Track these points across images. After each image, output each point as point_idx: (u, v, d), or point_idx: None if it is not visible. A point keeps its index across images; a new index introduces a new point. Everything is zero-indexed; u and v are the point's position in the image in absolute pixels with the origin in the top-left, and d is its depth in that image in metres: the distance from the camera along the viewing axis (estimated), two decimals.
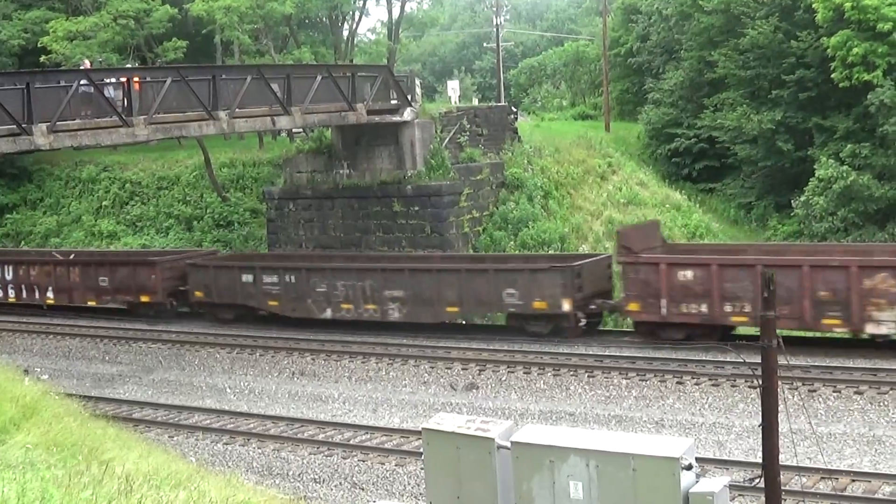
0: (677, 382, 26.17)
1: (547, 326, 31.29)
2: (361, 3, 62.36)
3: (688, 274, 28.47)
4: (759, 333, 26.30)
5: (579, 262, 31.57)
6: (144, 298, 38.94)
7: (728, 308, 28.09)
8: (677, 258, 29.73)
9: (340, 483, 22.29)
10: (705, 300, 28.21)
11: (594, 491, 13.82)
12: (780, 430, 13.36)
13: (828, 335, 28.60)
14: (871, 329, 26.70)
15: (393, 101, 38.73)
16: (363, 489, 21.80)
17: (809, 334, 28.72)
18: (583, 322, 30.75)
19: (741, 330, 29.02)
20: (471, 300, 32.24)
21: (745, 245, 33.97)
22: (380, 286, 33.69)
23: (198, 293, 37.87)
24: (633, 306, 29.58)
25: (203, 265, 38.23)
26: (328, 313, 34.82)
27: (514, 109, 51.51)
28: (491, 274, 31.93)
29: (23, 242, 54.34)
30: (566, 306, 30.34)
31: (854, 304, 26.37)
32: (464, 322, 34.21)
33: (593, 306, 31.17)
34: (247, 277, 36.52)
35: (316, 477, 22.77)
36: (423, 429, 16.12)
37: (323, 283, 34.76)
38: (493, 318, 34.39)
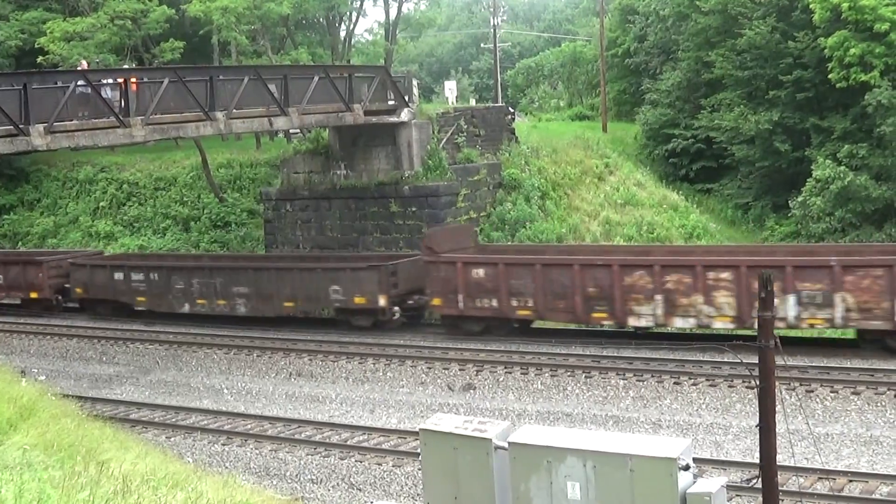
0: (674, 383, 26.19)
1: (368, 320, 34.25)
2: (358, 3, 62.49)
3: (480, 272, 31.39)
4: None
5: (394, 262, 34.54)
6: (33, 295, 42.21)
7: (514, 303, 30.97)
8: (471, 258, 32.40)
9: (338, 484, 22.30)
10: (495, 296, 31.09)
11: (591, 491, 13.83)
12: (777, 430, 13.36)
13: (825, 336, 28.66)
14: (632, 322, 29.62)
15: (390, 102, 38.72)
16: (360, 490, 21.81)
17: (807, 335, 28.78)
18: (396, 316, 33.84)
19: (539, 324, 32.14)
20: (303, 296, 35.29)
21: (542, 246, 36.81)
22: (228, 283, 37.01)
23: (78, 290, 41.13)
24: (436, 301, 32.51)
25: (82, 264, 41.41)
26: (186, 308, 38.20)
27: (512, 110, 51.52)
28: (319, 272, 35.03)
29: (20, 243, 54.33)
30: (382, 301, 33.41)
31: (617, 299, 29.17)
32: (300, 316, 36.48)
33: (411, 301, 34.03)
34: (118, 276, 39.91)
35: (313, 478, 22.77)
36: (420, 429, 16.14)
37: (181, 281, 38.20)
38: (323, 312, 36.63)
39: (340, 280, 34.33)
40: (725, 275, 27.82)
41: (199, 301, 37.64)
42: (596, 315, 29.98)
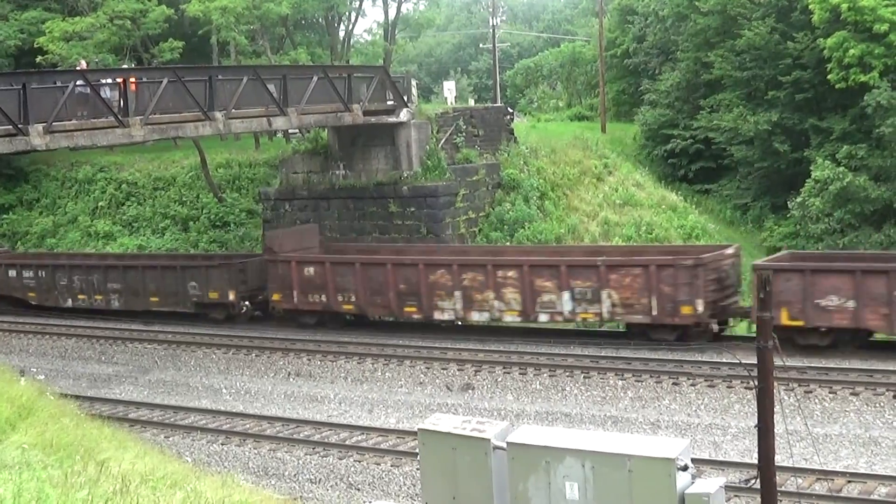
0: (673, 383, 26.21)
1: (222, 313, 37.37)
2: (358, 3, 62.42)
3: (311, 270, 34.48)
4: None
5: (243, 261, 37.94)
6: None
7: (340, 298, 34.13)
8: (303, 257, 35.30)
9: (336, 483, 22.31)
10: (324, 292, 34.24)
11: (590, 492, 13.83)
12: (775, 431, 13.37)
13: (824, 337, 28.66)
14: (437, 315, 32.54)
15: (389, 102, 38.73)
16: (359, 490, 21.81)
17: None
18: (245, 310, 37.04)
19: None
20: (165, 292, 38.34)
21: (376, 246, 38.75)
22: (103, 280, 40.04)
23: None
24: (276, 296, 35.63)
25: None
26: (69, 303, 41.08)
27: (511, 110, 51.51)
28: (178, 270, 38.14)
29: (19, 243, 54.30)
30: (231, 296, 36.65)
31: (424, 295, 32.19)
32: (165, 310, 38.99)
33: (260, 297, 37.03)
34: (12, 273, 43.00)
35: (312, 477, 22.78)
36: (419, 429, 16.14)
37: (64, 278, 41.18)
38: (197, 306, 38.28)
39: (196, 277, 37.51)
40: (511, 273, 30.86)
41: (80, 296, 40.71)
42: (407, 309, 33.01)
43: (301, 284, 34.70)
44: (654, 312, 28.80)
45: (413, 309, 32.86)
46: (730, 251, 30.19)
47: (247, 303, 36.98)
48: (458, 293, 31.73)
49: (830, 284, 26.86)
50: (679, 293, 28.31)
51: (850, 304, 26.62)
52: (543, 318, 30.82)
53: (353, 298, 33.87)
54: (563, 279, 29.87)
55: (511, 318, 31.32)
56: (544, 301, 30.45)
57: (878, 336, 27.61)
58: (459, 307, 31.86)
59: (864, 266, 27.26)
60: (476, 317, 32.05)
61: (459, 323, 33.47)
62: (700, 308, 28.14)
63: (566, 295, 29.85)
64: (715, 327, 29.05)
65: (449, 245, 38.22)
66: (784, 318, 26.92)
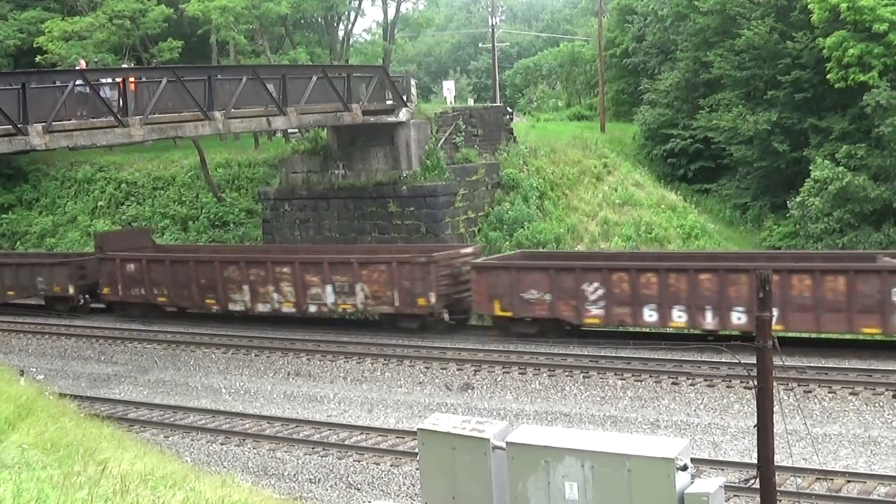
0: (672, 383, 26.21)
1: (66, 306, 41.35)
2: (357, 3, 62.45)
3: (131, 267, 38.65)
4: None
5: (82, 258, 41.86)
6: None
7: (155, 291, 38.26)
8: (126, 255, 39.05)
9: (336, 483, 22.31)
10: (143, 286, 38.38)
11: (589, 492, 13.84)
12: (775, 430, 13.37)
13: (825, 336, 28.71)
14: (231, 307, 36.43)
15: (388, 102, 38.72)
16: (359, 489, 21.82)
17: (805, 335, 28.80)
18: (82, 302, 41.04)
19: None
20: (19, 286, 42.54)
21: (198, 246, 44.44)
22: None
23: None
24: (106, 290, 39.69)
25: None
26: None
27: (510, 110, 51.48)
28: (28, 267, 42.38)
29: (18, 243, 54.30)
30: (72, 290, 40.79)
31: (220, 289, 36.18)
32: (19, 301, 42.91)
33: (99, 291, 40.28)
34: None
35: (311, 477, 22.78)
36: (418, 429, 16.15)
37: None
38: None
39: (43, 273, 41.62)
40: (286, 269, 34.72)
41: None
42: (208, 301, 36.98)
43: (124, 279, 38.85)
44: (397, 304, 32.80)
45: (212, 301, 36.82)
46: (467, 251, 34.10)
47: (87, 296, 41.10)
48: (246, 287, 35.63)
49: (531, 280, 30.73)
50: (415, 287, 32.28)
51: (548, 297, 30.53)
52: (313, 309, 34.74)
53: (166, 292, 37.99)
54: (326, 274, 33.85)
55: (288, 310, 35.13)
56: (312, 294, 34.36)
57: (877, 336, 27.74)
58: (248, 299, 35.76)
59: (556, 264, 31.35)
60: (261, 308, 35.73)
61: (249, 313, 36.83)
62: (433, 300, 32.14)
63: (329, 288, 33.83)
64: (446, 317, 32.70)
65: (246, 245, 44.34)
66: (497, 310, 31.51)
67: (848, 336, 28.29)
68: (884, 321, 26.18)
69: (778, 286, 25.94)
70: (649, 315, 29.10)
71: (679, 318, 28.70)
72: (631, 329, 31.02)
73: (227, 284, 36.08)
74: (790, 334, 27.89)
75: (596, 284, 29.64)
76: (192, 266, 37.11)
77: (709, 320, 28.36)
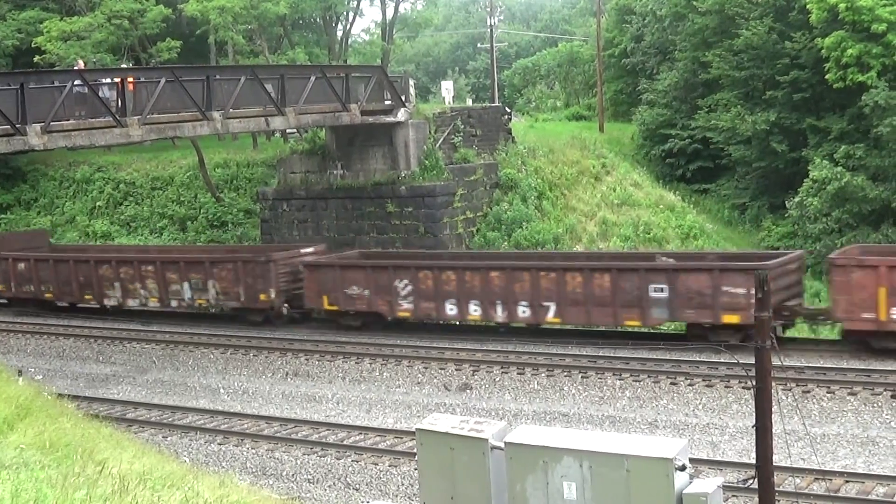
0: (671, 383, 26.19)
1: None
2: (355, 3, 62.47)
3: (22, 265, 41.26)
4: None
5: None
6: None
7: (43, 288, 40.67)
8: (17, 255, 41.68)
9: (334, 483, 22.29)
10: (32, 283, 40.97)
11: (588, 492, 13.84)
12: (773, 430, 13.37)
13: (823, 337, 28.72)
14: (106, 302, 39.08)
15: (387, 102, 38.73)
16: (357, 490, 21.81)
17: (804, 335, 28.82)
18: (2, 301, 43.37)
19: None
20: None
21: (85, 246, 47.42)
22: None
23: None
24: (1, 287, 42.44)
25: None
26: None
27: (508, 110, 51.52)
28: None
29: None
30: None
31: (95, 285, 38.84)
32: None
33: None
34: None
35: (310, 477, 22.76)
36: (417, 429, 16.14)
37: None
38: None
39: None
40: (150, 267, 37.50)
41: None
42: (86, 297, 39.61)
43: (16, 278, 41.61)
44: (243, 299, 35.59)
45: (90, 297, 39.53)
46: (308, 250, 36.47)
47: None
48: (117, 284, 38.38)
49: (353, 278, 33.44)
50: (258, 284, 35.18)
51: (367, 292, 33.21)
52: (174, 303, 37.52)
53: (51, 288, 40.64)
54: (183, 272, 36.65)
55: (154, 305, 38.10)
56: (173, 290, 37.07)
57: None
58: (120, 295, 38.50)
59: (373, 263, 34.12)
60: (131, 303, 38.59)
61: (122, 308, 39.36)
62: (273, 295, 34.94)
63: (186, 285, 36.65)
64: (285, 311, 35.20)
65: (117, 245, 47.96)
66: (325, 304, 34.14)
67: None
68: (643, 314, 28.75)
69: (555, 283, 29.70)
70: (450, 309, 31.87)
71: (475, 311, 31.54)
72: (631, 329, 31.01)
73: (101, 282, 38.79)
74: (790, 335, 27.96)
75: (406, 281, 32.45)
76: (72, 265, 39.80)
77: (499, 314, 31.20)
